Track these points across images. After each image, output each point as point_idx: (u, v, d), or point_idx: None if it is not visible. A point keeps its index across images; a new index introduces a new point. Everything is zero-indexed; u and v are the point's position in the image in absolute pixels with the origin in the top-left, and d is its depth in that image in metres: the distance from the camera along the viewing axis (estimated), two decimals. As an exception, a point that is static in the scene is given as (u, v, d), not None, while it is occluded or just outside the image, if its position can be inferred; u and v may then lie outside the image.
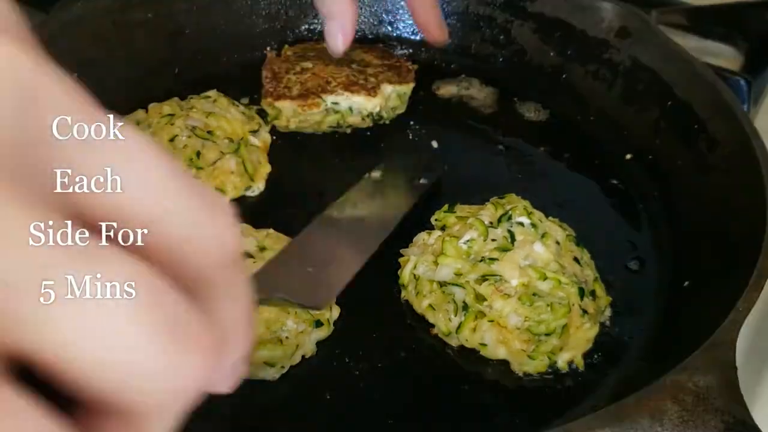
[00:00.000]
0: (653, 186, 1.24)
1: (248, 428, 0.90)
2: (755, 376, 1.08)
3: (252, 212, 1.12)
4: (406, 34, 1.52)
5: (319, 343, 0.98)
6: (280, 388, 0.94)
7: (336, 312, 1.00)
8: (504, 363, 0.97)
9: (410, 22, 1.50)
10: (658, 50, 1.30)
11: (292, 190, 1.20)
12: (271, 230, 1.06)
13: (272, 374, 0.94)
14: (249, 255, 0.99)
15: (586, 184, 1.26)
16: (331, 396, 0.93)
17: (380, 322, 1.02)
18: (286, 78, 1.31)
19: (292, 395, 0.94)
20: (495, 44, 1.48)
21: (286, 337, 0.93)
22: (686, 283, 1.07)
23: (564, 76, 1.42)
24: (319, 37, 1.48)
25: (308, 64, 1.33)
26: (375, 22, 1.52)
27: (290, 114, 1.26)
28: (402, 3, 1.49)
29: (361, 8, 1.49)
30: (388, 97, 1.29)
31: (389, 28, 1.52)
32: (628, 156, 1.29)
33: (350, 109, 1.27)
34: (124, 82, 1.33)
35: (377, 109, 1.28)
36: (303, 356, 0.96)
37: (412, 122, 1.34)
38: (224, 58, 1.43)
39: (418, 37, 1.51)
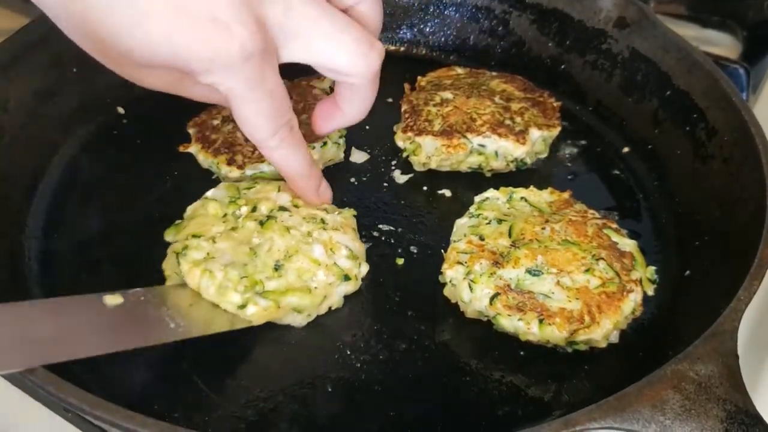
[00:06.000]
0: (653, 176, 1.24)
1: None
2: (757, 364, 1.08)
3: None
4: (404, 26, 1.51)
5: (346, 297, 1.02)
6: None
7: (365, 269, 1.03)
8: (504, 353, 0.98)
9: (408, 16, 1.51)
10: (657, 40, 1.29)
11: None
12: None
13: (299, 321, 0.99)
14: (284, 209, 1.04)
15: (586, 174, 1.26)
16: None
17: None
18: (426, 110, 1.23)
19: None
20: (493, 35, 1.48)
21: (315, 288, 0.97)
22: (687, 273, 1.07)
23: (563, 66, 1.41)
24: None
25: (448, 95, 1.26)
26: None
27: (432, 151, 1.20)
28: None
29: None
30: (534, 143, 1.21)
31: (387, 20, 1.51)
32: (626, 149, 1.29)
33: (495, 153, 1.19)
34: (122, 79, 1.33)
35: (524, 156, 1.21)
36: (330, 307, 1.01)
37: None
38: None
39: (415, 29, 1.51)
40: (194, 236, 1.00)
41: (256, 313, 0.94)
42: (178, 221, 1.06)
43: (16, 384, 0.98)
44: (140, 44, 0.79)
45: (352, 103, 0.99)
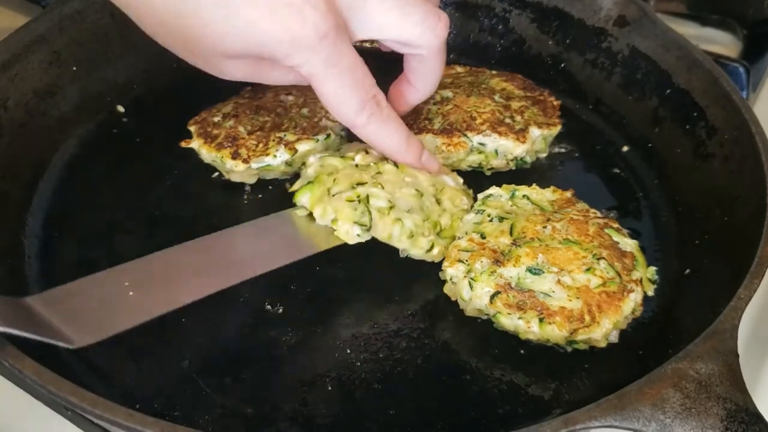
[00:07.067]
0: (653, 174, 1.24)
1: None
2: (757, 363, 1.08)
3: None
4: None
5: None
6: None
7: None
8: (504, 351, 0.98)
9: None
10: (657, 38, 1.29)
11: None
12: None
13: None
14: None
15: (586, 172, 1.26)
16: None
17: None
18: (426, 109, 1.23)
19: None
20: (493, 34, 1.48)
21: (466, 209, 1.07)
22: (687, 271, 1.07)
23: (563, 65, 1.41)
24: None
25: (448, 94, 1.26)
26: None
27: (432, 150, 1.19)
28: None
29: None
30: (534, 141, 1.21)
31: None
32: (626, 148, 1.29)
33: (495, 151, 1.19)
34: (123, 76, 1.33)
35: (523, 154, 1.21)
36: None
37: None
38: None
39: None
40: (359, 184, 1.01)
41: (440, 252, 1.02)
42: (306, 182, 1.06)
43: (16, 383, 0.98)
44: (230, 37, 0.86)
45: (421, 75, 1.04)
